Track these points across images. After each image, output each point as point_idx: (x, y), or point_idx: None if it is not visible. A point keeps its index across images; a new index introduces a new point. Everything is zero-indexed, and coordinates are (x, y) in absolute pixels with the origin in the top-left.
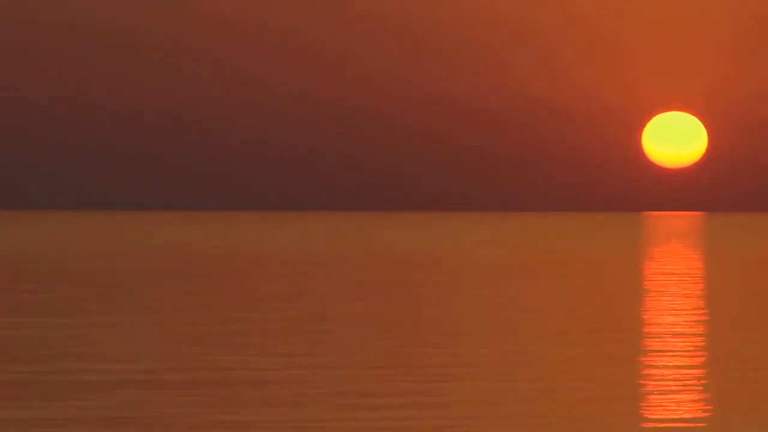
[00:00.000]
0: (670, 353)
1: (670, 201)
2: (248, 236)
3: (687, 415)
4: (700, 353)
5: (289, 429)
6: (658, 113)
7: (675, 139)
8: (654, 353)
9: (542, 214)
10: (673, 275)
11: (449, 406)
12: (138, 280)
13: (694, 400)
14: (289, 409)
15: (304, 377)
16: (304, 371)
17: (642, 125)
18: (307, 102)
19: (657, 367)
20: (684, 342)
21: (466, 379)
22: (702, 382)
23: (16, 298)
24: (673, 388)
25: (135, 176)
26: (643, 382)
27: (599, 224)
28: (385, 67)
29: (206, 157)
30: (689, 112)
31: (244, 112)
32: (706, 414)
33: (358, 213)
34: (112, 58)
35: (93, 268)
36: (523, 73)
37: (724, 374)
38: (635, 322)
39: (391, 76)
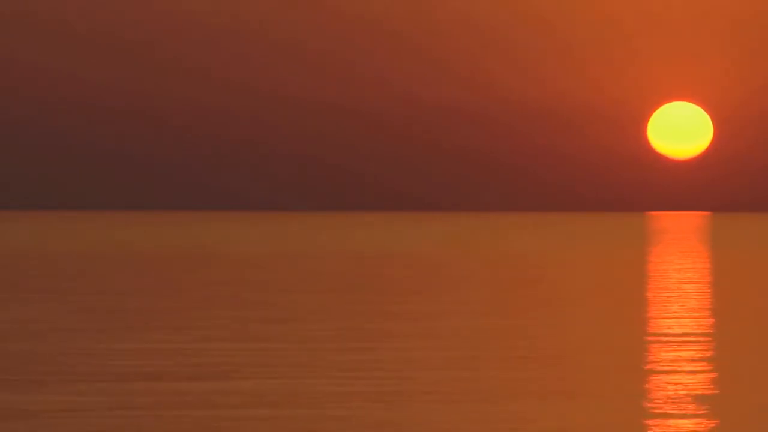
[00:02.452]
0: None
1: (678, 195)
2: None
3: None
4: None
5: None
6: (662, 105)
7: (680, 130)
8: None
9: (547, 214)
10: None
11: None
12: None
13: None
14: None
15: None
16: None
17: (646, 118)
18: (289, 103)
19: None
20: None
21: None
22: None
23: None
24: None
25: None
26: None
27: (607, 224)
28: (382, 70)
29: (188, 158)
30: (693, 102)
31: (229, 113)
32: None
33: (353, 214)
34: (94, 60)
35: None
36: (519, 74)
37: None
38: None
39: (390, 80)
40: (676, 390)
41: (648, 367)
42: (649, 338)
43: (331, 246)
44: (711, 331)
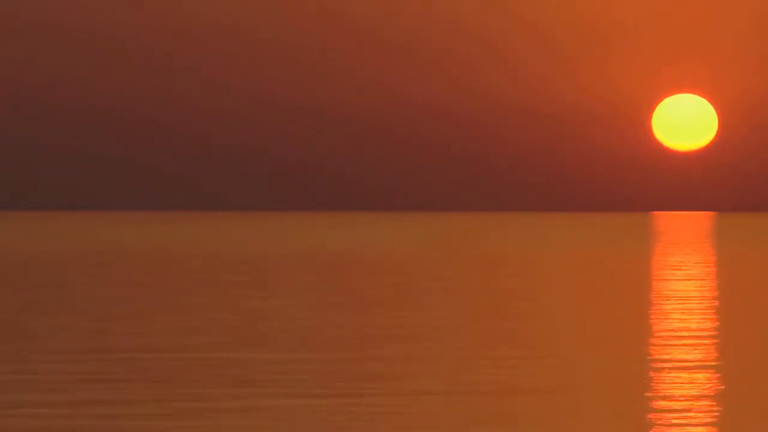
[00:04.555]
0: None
1: (683, 193)
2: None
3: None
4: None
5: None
6: (664, 98)
7: (685, 122)
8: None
9: (550, 215)
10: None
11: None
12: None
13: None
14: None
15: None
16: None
17: (648, 113)
18: (271, 103)
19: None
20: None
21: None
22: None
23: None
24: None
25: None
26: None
27: (609, 225)
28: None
29: (169, 158)
30: (696, 94)
31: (210, 114)
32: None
33: (353, 214)
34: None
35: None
36: (517, 75)
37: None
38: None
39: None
40: (681, 389)
41: (653, 366)
42: (652, 338)
43: (312, 247)
44: (715, 332)
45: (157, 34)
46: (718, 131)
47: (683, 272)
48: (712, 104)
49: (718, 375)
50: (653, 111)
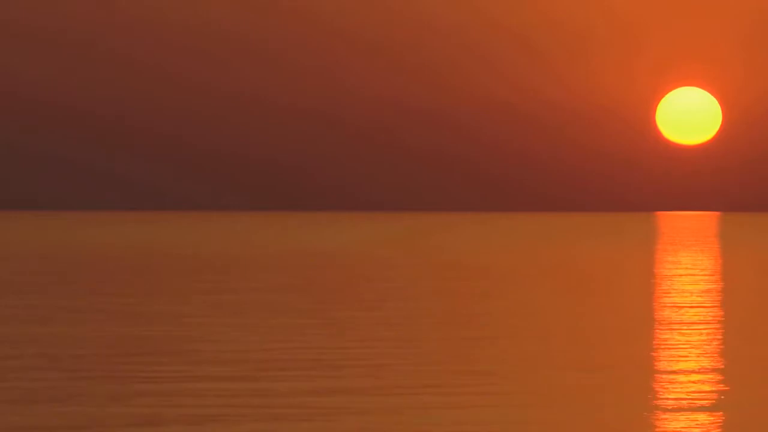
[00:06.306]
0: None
1: (687, 191)
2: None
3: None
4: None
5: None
6: (668, 92)
7: (689, 116)
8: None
9: (555, 215)
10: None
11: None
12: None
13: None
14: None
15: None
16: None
17: (652, 110)
18: (258, 106)
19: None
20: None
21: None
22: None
23: None
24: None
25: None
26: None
27: (610, 225)
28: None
29: (149, 157)
30: (700, 87)
31: (205, 117)
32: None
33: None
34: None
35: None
36: (490, 76)
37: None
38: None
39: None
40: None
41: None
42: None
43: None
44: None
45: (149, 37)
46: (722, 125)
47: (686, 271)
48: (715, 98)
49: (719, 378)
50: (657, 106)
